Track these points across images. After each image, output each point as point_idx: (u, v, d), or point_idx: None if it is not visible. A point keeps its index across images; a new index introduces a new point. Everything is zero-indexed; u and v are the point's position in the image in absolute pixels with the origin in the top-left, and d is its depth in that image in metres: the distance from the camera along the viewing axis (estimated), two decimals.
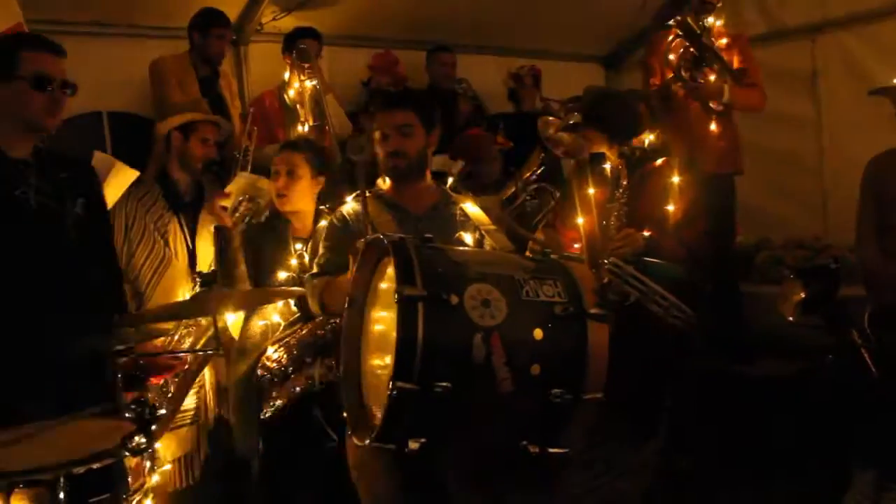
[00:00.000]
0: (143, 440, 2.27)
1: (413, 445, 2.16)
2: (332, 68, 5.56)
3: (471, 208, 3.23)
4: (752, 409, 4.52)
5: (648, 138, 4.28)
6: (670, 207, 3.61)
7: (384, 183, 3.30)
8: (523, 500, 2.79)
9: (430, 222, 3.10)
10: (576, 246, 3.65)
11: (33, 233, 2.75)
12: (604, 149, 3.77)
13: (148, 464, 2.44)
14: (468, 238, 3.10)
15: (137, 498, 2.36)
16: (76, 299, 2.76)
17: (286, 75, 5.04)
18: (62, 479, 2.12)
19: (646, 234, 3.55)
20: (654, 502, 3.70)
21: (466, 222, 3.18)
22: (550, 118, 4.59)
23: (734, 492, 4.13)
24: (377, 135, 3.13)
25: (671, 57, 4.84)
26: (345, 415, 2.50)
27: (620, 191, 3.77)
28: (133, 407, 2.42)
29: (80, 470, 2.15)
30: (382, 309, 2.49)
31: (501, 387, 2.15)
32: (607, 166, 3.68)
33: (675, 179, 3.66)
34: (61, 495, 2.11)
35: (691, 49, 4.74)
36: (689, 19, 4.72)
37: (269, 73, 5.29)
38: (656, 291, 3.25)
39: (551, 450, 2.26)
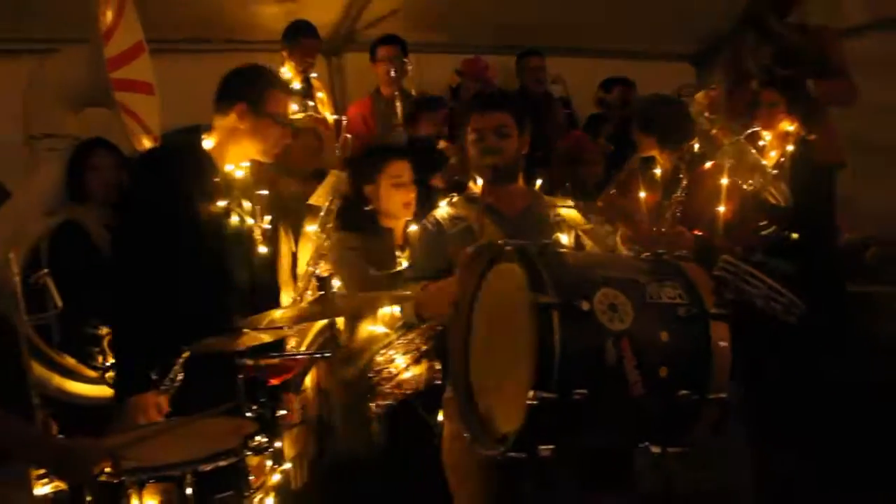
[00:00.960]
0: (265, 439, 2.37)
1: (544, 452, 2.16)
2: (422, 75, 5.59)
3: (564, 210, 3.20)
4: (860, 413, 4.35)
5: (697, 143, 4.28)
6: (721, 208, 3.66)
7: (475, 185, 3.27)
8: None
9: (525, 224, 3.08)
10: None
11: (231, 243, 3.10)
12: (654, 153, 4.02)
13: (270, 462, 2.49)
14: (564, 239, 3.07)
15: (259, 496, 2.41)
16: (245, 302, 3.01)
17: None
18: (189, 476, 2.22)
19: (696, 233, 3.64)
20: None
21: (562, 223, 3.14)
22: None
23: (841, 498, 4.00)
24: (471, 136, 3.10)
25: (750, 59, 4.76)
26: (461, 423, 2.50)
27: (679, 192, 3.83)
28: (254, 407, 2.55)
29: (207, 467, 2.25)
30: (494, 314, 2.49)
31: (633, 390, 2.16)
32: (657, 171, 3.86)
33: (725, 181, 3.72)
34: (188, 491, 2.21)
35: (771, 49, 4.65)
36: (766, 18, 4.63)
37: (364, 81, 5.36)
38: (774, 288, 3.19)
39: (671, 449, 2.28)
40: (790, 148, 4.31)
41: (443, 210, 3.20)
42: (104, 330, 3.26)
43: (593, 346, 2.14)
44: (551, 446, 2.16)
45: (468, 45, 5.95)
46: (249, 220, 3.24)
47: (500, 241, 2.47)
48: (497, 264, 2.49)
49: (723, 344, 2.28)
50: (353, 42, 5.68)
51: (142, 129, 3.98)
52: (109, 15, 3.85)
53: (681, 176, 3.86)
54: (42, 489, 2.26)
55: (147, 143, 3.97)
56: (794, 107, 4.39)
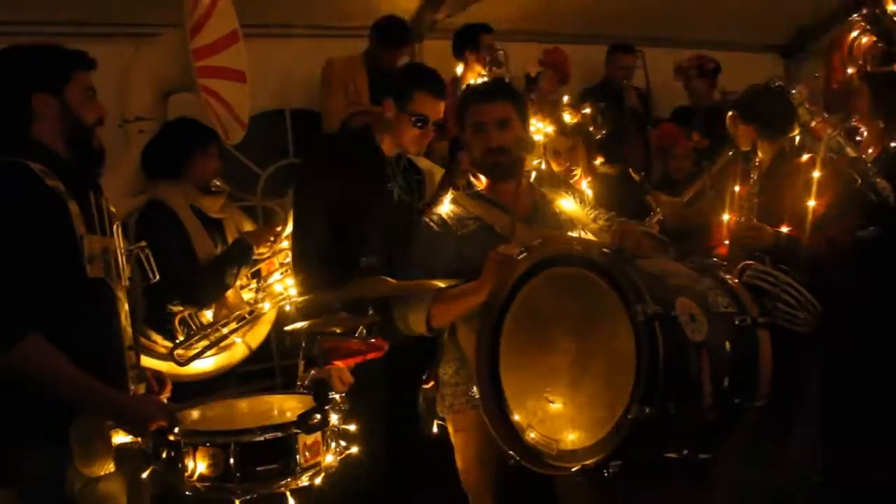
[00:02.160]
0: (318, 418, 2.40)
1: (613, 468, 2.10)
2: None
3: (566, 205, 3.09)
4: None
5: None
6: (811, 203, 3.48)
7: (479, 182, 3.17)
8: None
9: (538, 223, 2.96)
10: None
11: (392, 220, 3.31)
12: (753, 143, 3.85)
13: (332, 444, 2.53)
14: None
15: (309, 474, 2.44)
16: None
17: (459, 70, 5.13)
18: (233, 445, 2.34)
19: (784, 229, 3.45)
20: None
21: (570, 221, 3.03)
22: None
23: None
24: (470, 129, 3.00)
25: (856, 54, 4.58)
26: (491, 430, 2.44)
27: (750, 183, 3.66)
28: (309, 385, 2.61)
29: (248, 439, 2.36)
30: (544, 321, 2.39)
31: (705, 401, 2.13)
32: (755, 163, 3.69)
33: (817, 174, 3.53)
34: (231, 460, 2.33)
35: (880, 44, 4.47)
36: (878, 10, 4.45)
37: (443, 69, 5.38)
38: (808, 300, 3.11)
39: (701, 455, 2.25)
40: (893, 144, 4.16)
41: (447, 208, 3.05)
42: (178, 307, 3.43)
43: (682, 359, 2.09)
44: (618, 462, 2.08)
45: (551, 34, 5.90)
46: (408, 201, 3.46)
47: (575, 245, 2.37)
48: (549, 269, 2.38)
49: (767, 352, 2.28)
50: (433, 30, 5.69)
51: (232, 117, 4.08)
52: (206, 1, 3.94)
53: (751, 171, 3.71)
54: (119, 438, 2.41)
55: (235, 131, 4.12)
56: (880, 102, 4.23)
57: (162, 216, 3.48)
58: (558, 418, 2.27)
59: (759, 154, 3.82)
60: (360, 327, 2.78)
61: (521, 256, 2.46)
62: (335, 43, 5.32)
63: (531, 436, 2.33)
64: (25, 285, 2.24)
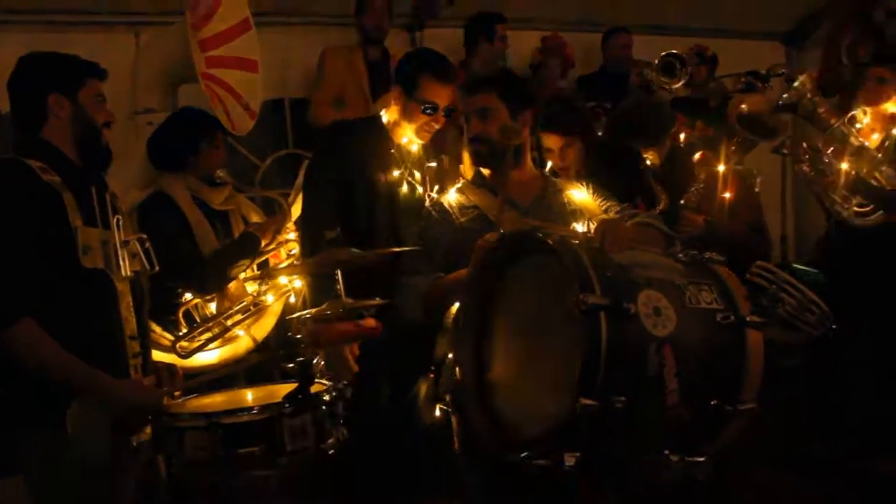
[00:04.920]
0: (302, 400, 2.47)
1: (569, 461, 2.06)
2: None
3: (577, 195, 3.06)
4: None
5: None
6: (727, 195, 3.89)
7: (486, 170, 3.16)
8: None
9: (540, 213, 2.96)
10: None
11: (405, 210, 3.37)
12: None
13: (324, 428, 2.57)
14: (580, 228, 2.93)
15: (295, 457, 2.49)
16: None
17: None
18: (215, 427, 2.44)
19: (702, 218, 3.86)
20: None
21: (577, 211, 3.01)
22: (739, 95, 4.56)
23: None
24: (462, 119, 3.08)
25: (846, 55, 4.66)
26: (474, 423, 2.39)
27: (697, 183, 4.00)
28: (292, 367, 2.65)
29: (230, 420, 2.46)
30: (521, 310, 2.37)
31: (668, 399, 2.07)
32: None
33: (721, 168, 3.94)
34: (215, 442, 2.43)
35: (871, 46, 4.52)
36: (868, 11, 4.50)
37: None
38: (811, 300, 3.12)
39: (689, 458, 2.14)
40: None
41: (451, 197, 3.10)
42: (186, 298, 3.45)
43: (637, 353, 2.02)
44: (577, 454, 2.04)
45: (551, 21, 5.90)
46: (419, 190, 3.48)
47: (535, 231, 2.34)
48: (527, 257, 2.34)
49: (757, 353, 2.18)
50: (436, 17, 5.68)
51: (241, 107, 4.08)
52: None
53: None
54: None
55: (244, 121, 4.12)
56: None
57: (162, 206, 3.50)
58: (527, 408, 2.25)
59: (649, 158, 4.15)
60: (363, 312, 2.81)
61: (493, 244, 2.45)
62: (335, 31, 5.32)
63: (504, 414, 2.32)
64: (16, 273, 2.38)
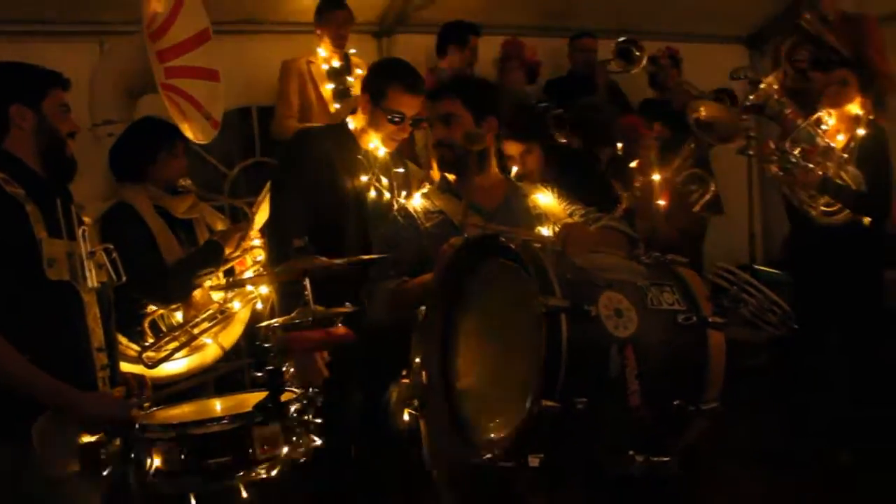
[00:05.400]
0: (273, 408, 2.45)
1: (533, 462, 2.07)
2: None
3: (542, 199, 3.08)
4: None
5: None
6: (661, 202, 4.05)
7: (451, 175, 3.17)
8: None
9: (506, 217, 2.97)
10: None
11: (373, 217, 3.39)
12: None
13: (295, 436, 2.55)
14: (545, 232, 2.94)
15: (265, 466, 2.47)
16: None
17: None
18: (185, 438, 2.41)
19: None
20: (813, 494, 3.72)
21: (542, 215, 3.02)
22: (697, 101, 4.64)
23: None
24: (427, 125, 3.12)
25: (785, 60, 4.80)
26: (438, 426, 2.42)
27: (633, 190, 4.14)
28: (261, 375, 2.60)
29: (200, 431, 2.44)
30: (484, 313, 2.39)
31: (631, 399, 2.08)
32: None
33: (657, 178, 4.09)
34: (184, 453, 2.40)
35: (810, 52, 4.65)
36: (808, 19, 4.61)
37: (415, 63, 5.40)
38: (772, 300, 3.17)
39: (654, 458, 2.17)
40: (861, 132, 4.34)
41: (416, 202, 3.10)
42: (151, 309, 3.42)
43: (599, 354, 2.04)
44: (541, 455, 2.06)
45: (514, 26, 5.94)
46: (386, 195, 3.50)
47: (498, 235, 2.34)
48: (490, 260, 2.36)
49: (719, 353, 2.19)
50: (403, 24, 5.70)
51: (203, 116, 4.05)
52: (155, 3, 3.90)
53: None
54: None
55: (206, 130, 4.11)
56: (867, 87, 4.40)
57: (123, 217, 3.47)
58: (492, 410, 2.26)
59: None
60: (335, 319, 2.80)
61: (455, 247, 2.47)
62: (302, 39, 5.29)
63: (470, 417, 2.34)
64: None
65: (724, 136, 4.50)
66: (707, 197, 4.75)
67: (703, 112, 4.61)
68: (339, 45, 5.05)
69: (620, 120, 5.24)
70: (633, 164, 4.23)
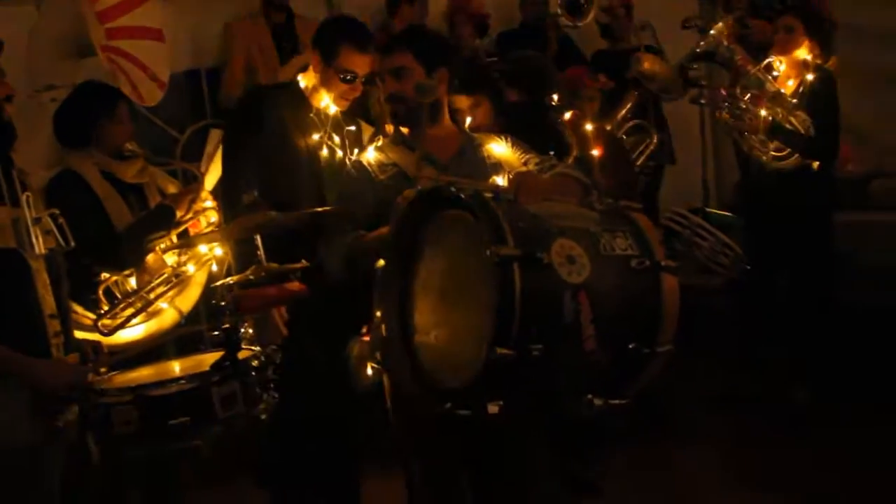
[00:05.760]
0: (230, 367, 2.48)
1: (493, 409, 2.10)
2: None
3: (496, 149, 3.06)
4: (868, 341, 4.57)
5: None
6: (595, 153, 3.95)
7: (406, 130, 3.13)
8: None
9: (460, 168, 2.96)
10: None
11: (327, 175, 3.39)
12: None
13: (254, 395, 2.58)
14: (501, 182, 2.88)
15: (226, 426, 2.51)
16: None
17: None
18: (142, 400, 2.43)
19: None
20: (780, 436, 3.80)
21: (497, 165, 3.01)
22: (641, 54, 4.64)
23: (852, 426, 4.20)
24: (378, 80, 3.10)
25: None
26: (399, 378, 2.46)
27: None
28: (217, 334, 2.63)
29: (157, 392, 2.45)
30: (441, 264, 2.40)
31: (586, 344, 2.11)
32: None
33: (589, 127, 4.03)
34: (142, 416, 2.42)
35: None
36: None
37: (363, 14, 5.33)
38: (724, 243, 3.21)
39: (612, 402, 2.22)
40: (809, 77, 4.41)
41: (370, 155, 3.07)
42: (104, 276, 3.38)
43: (553, 301, 2.06)
44: (499, 403, 2.09)
45: None
46: (339, 153, 3.47)
47: (450, 186, 2.35)
48: (444, 211, 2.37)
49: (672, 296, 2.22)
50: None
51: (148, 78, 4.00)
52: None
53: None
54: None
55: (152, 92, 4.03)
56: (814, 32, 4.43)
57: (68, 184, 3.40)
58: (450, 360, 2.28)
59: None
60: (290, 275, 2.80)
61: (408, 199, 2.47)
62: None
63: (430, 368, 2.35)
64: None
65: (664, 88, 4.52)
66: (651, 148, 4.75)
67: (647, 66, 4.63)
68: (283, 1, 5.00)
69: (567, 71, 5.26)
70: (568, 115, 4.19)
